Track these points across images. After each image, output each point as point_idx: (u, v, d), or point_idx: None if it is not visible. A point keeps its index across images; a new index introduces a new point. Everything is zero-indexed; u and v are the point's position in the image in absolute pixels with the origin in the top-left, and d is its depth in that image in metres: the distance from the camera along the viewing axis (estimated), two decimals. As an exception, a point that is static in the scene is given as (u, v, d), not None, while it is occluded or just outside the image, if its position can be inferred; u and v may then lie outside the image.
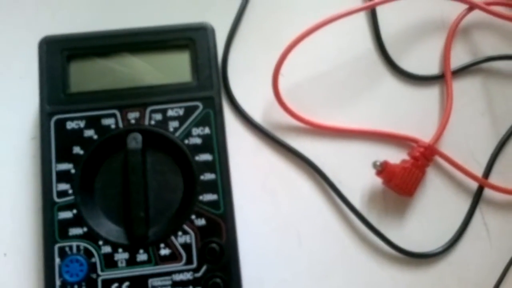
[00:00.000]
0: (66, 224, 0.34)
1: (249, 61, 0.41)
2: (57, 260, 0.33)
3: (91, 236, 0.34)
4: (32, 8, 0.42)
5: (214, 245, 0.34)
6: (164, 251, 0.34)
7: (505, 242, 0.39)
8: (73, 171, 0.34)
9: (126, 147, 0.35)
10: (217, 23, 0.38)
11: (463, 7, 0.43)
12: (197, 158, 0.35)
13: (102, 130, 0.35)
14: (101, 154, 0.35)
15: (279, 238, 0.38)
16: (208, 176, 0.35)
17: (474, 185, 0.40)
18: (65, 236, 0.34)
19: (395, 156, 0.39)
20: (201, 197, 0.35)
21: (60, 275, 0.33)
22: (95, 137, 0.35)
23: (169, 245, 0.34)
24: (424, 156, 0.39)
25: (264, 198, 0.39)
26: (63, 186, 0.34)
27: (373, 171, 0.38)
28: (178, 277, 0.34)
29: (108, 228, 0.34)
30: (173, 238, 0.34)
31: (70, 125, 0.35)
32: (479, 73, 0.43)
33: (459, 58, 0.43)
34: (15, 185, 0.38)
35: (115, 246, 0.34)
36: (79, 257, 0.33)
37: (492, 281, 0.38)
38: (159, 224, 0.34)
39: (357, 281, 0.38)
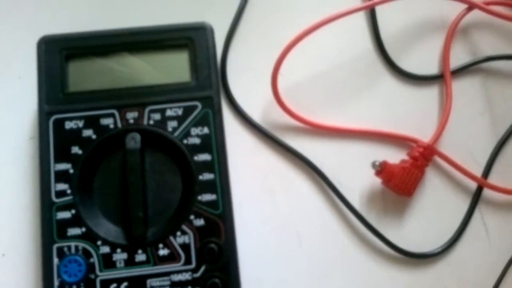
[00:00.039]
0: (65, 224, 0.34)
1: (248, 61, 0.41)
2: (56, 260, 0.33)
3: (90, 236, 0.34)
4: (32, 8, 0.42)
5: (213, 245, 0.34)
6: (163, 251, 0.34)
7: (504, 242, 0.39)
8: (71, 171, 0.34)
9: (125, 147, 0.35)
10: (216, 22, 0.38)
11: (462, 6, 0.43)
12: (196, 158, 0.35)
13: (100, 130, 0.35)
14: (100, 154, 0.35)
15: (278, 238, 0.38)
16: (206, 176, 0.35)
17: (473, 185, 0.40)
18: (63, 236, 0.33)
19: (394, 156, 0.39)
20: (199, 197, 0.35)
21: (59, 275, 0.33)
22: (94, 137, 0.35)
23: (167, 245, 0.34)
24: (423, 156, 0.39)
25: (263, 198, 0.39)
26: (62, 186, 0.34)
27: (372, 171, 0.38)
28: (176, 278, 0.33)
29: (107, 228, 0.34)
30: (171, 238, 0.34)
31: (68, 124, 0.35)
32: (479, 73, 0.43)
33: (458, 58, 0.43)
34: (13, 185, 0.37)
35: (113, 246, 0.34)
36: (77, 257, 0.33)
37: (492, 281, 0.38)
38: (157, 224, 0.34)
39: (357, 281, 0.37)
